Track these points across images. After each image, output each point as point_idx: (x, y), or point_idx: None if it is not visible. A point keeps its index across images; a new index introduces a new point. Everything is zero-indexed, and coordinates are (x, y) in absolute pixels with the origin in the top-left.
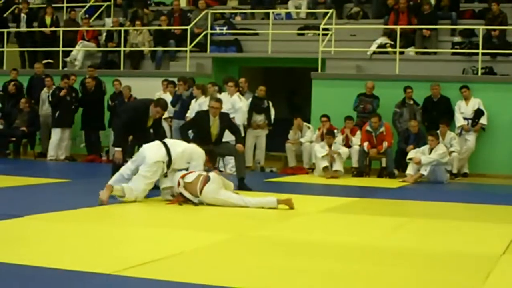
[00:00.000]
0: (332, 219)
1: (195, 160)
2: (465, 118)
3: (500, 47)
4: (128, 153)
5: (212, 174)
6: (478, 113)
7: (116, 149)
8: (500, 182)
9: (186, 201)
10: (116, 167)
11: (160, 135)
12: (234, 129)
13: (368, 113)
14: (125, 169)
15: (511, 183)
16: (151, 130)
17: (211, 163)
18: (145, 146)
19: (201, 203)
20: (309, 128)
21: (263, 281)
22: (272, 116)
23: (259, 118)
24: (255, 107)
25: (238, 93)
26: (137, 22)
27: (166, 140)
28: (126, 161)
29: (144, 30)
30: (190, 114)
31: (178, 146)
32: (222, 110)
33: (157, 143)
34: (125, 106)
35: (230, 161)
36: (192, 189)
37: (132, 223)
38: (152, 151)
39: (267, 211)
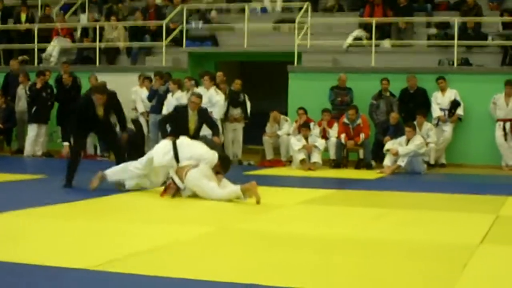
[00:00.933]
0: (311, 211)
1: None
2: (441, 109)
3: (475, 39)
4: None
5: (202, 165)
6: (455, 104)
7: (65, 143)
8: (477, 172)
9: (177, 190)
10: (71, 163)
11: (122, 119)
12: (212, 124)
13: (346, 105)
14: (133, 168)
15: (488, 172)
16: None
17: (223, 169)
18: (156, 147)
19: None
20: (286, 121)
21: (246, 274)
22: (248, 109)
23: (236, 112)
24: (231, 101)
25: (215, 87)
26: (112, 18)
27: (179, 142)
28: (78, 155)
29: (120, 26)
30: (166, 108)
31: (187, 151)
32: (205, 107)
33: (166, 144)
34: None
35: None
36: (180, 174)
37: (113, 217)
38: (159, 154)
39: (247, 204)
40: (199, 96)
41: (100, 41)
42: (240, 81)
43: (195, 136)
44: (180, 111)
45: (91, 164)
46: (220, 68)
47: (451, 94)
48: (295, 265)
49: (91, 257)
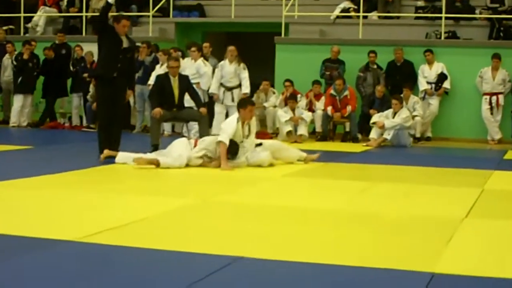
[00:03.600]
0: (296, 183)
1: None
2: (428, 82)
3: (463, 11)
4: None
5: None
6: (442, 77)
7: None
8: (462, 145)
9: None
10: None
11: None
12: (194, 93)
13: (334, 80)
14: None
15: (474, 146)
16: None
17: (231, 154)
18: (174, 143)
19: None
20: (274, 93)
21: (227, 246)
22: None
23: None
24: None
25: (202, 58)
26: None
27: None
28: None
29: None
30: (152, 79)
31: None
32: (186, 74)
33: (185, 142)
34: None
35: (194, 126)
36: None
37: (95, 189)
38: (176, 152)
39: (232, 176)
40: (177, 60)
41: (87, 10)
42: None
43: (180, 103)
44: (162, 79)
45: (77, 135)
46: (207, 39)
47: (438, 67)
48: (278, 237)
49: (76, 229)
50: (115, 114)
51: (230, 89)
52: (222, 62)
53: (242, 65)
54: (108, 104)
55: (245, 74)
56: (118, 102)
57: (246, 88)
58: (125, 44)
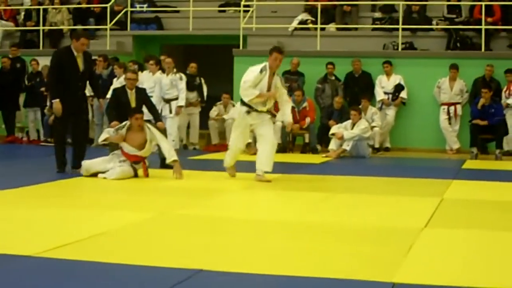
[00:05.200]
0: (255, 196)
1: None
2: (386, 93)
3: (420, 22)
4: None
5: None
6: (398, 88)
7: (54, 101)
8: (421, 155)
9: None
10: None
11: (96, 87)
12: (150, 105)
13: (293, 91)
14: None
15: (432, 156)
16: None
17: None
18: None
19: None
20: (233, 105)
21: (188, 259)
22: (205, 93)
23: (191, 96)
24: (187, 85)
25: (180, 74)
26: (56, 1)
27: None
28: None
29: (63, 9)
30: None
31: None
32: (144, 87)
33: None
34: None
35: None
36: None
37: (53, 204)
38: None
39: (191, 189)
40: (135, 72)
41: (44, 24)
42: (195, 64)
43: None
44: (119, 92)
45: (35, 149)
46: (165, 51)
47: (395, 78)
48: (239, 250)
49: (34, 244)
50: (76, 129)
51: (168, 101)
52: (159, 75)
53: (178, 75)
54: (65, 119)
55: (181, 85)
56: (78, 116)
57: (181, 100)
58: (82, 66)
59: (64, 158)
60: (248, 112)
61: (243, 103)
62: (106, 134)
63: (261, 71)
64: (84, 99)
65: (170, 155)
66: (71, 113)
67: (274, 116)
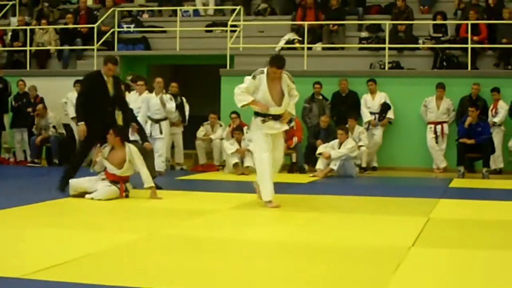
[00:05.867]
0: (243, 216)
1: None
2: (371, 113)
3: (406, 42)
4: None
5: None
6: (385, 107)
7: (79, 123)
8: (408, 174)
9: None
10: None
11: (126, 113)
12: (138, 125)
13: None
14: None
15: (420, 175)
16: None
17: None
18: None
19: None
20: (220, 125)
21: (175, 280)
22: (187, 113)
23: (173, 116)
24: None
25: (169, 95)
26: (43, 21)
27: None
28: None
29: (50, 29)
30: None
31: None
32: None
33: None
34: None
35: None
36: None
37: (40, 225)
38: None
39: (179, 209)
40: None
41: (31, 45)
42: (176, 84)
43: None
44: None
45: (22, 170)
46: (152, 71)
47: (380, 97)
48: (224, 271)
49: (23, 265)
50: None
51: (157, 121)
52: (146, 95)
53: (168, 96)
54: (90, 143)
55: (172, 105)
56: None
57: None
58: (112, 91)
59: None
60: (264, 121)
61: (256, 113)
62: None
63: (253, 76)
64: (115, 125)
65: (147, 182)
66: (98, 138)
67: (291, 121)
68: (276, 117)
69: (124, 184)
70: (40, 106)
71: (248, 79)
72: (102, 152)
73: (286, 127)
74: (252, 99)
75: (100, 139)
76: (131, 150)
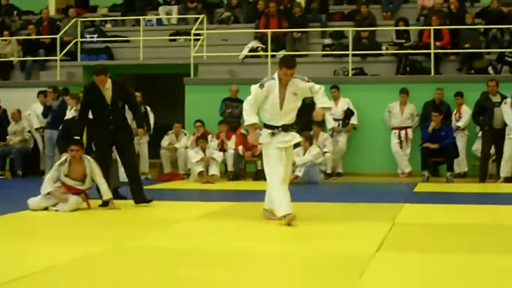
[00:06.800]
0: (209, 225)
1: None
2: (335, 119)
3: (370, 48)
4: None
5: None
6: (348, 113)
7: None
8: (373, 180)
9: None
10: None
11: (136, 115)
12: (134, 105)
13: (235, 117)
14: None
15: (384, 180)
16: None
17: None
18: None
19: None
20: (185, 134)
21: None
22: (152, 122)
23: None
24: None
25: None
26: (5, 32)
27: None
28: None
29: (13, 40)
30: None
31: None
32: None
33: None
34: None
35: None
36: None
37: (2, 237)
38: None
39: (144, 219)
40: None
41: None
42: (140, 93)
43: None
44: (69, 124)
45: None
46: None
47: (344, 103)
48: (191, 281)
49: None
50: (124, 162)
51: None
52: None
53: (142, 106)
54: (101, 153)
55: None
56: (122, 149)
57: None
58: (109, 99)
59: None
60: (273, 134)
61: (265, 125)
62: (49, 187)
63: (260, 85)
64: (124, 131)
65: (105, 194)
66: (107, 147)
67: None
68: (286, 129)
69: (86, 195)
70: (15, 110)
71: (254, 88)
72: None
73: (297, 139)
74: (254, 122)
75: (117, 147)
76: (90, 162)
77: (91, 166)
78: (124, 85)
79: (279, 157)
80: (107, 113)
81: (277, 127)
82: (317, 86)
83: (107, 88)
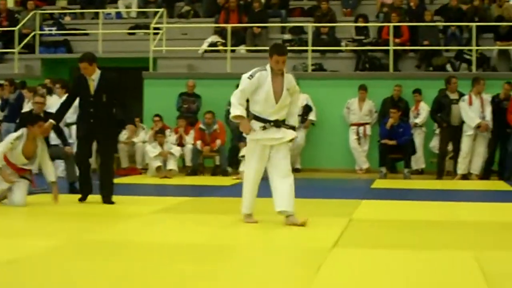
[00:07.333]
0: (165, 219)
1: None
2: None
3: (329, 44)
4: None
5: None
6: (306, 109)
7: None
8: (332, 176)
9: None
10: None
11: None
12: (58, 130)
13: (192, 112)
14: None
15: (342, 176)
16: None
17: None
18: None
19: None
20: (143, 128)
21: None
22: None
23: None
24: None
25: None
26: None
27: None
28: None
29: None
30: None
31: None
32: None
33: None
34: None
35: (61, 164)
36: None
37: None
38: None
39: (100, 213)
40: (43, 96)
41: None
42: None
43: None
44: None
45: None
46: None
47: (302, 99)
48: (146, 275)
49: None
50: (100, 157)
51: (68, 125)
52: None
53: None
54: (82, 144)
55: None
56: (101, 144)
57: None
58: (93, 90)
59: (85, 185)
60: (264, 128)
61: (255, 117)
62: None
63: (250, 76)
64: (105, 127)
65: (51, 176)
66: (88, 139)
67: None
68: (279, 125)
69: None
70: None
71: (244, 79)
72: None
73: (291, 135)
74: (239, 114)
75: (88, 142)
76: (44, 144)
77: (43, 147)
78: (113, 79)
79: (261, 155)
80: (88, 105)
81: (269, 122)
82: (298, 101)
83: (93, 79)
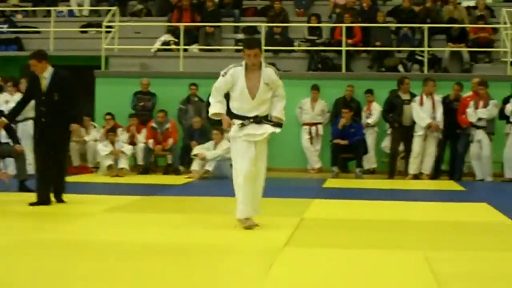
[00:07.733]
0: (116, 218)
1: None
2: None
3: (282, 44)
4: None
5: None
6: None
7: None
8: (284, 175)
9: None
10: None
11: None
12: (9, 128)
13: (147, 110)
14: None
15: (294, 176)
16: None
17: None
18: None
19: None
20: (94, 127)
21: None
22: None
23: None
24: None
25: None
26: None
27: None
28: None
29: None
30: None
31: None
32: (1, 109)
33: None
34: None
35: (12, 162)
36: None
37: None
38: None
39: (49, 212)
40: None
41: None
42: None
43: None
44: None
45: None
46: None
47: None
48: (95, 275)
49: None
50: (52, 159)
51: (16, 122)
52: (16, 97)
53: None
54: (37, 146)
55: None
56: (54, 146)
57: None
58: (45, 88)
59: (43, 189)
60: (243, 125)
61: (234, 115)
62: None
63: (224, 73)
64: (57, 126)
65: None
66: (39, 140)
67: (279, 125)
68: (259, 121)
69: None
70: None
71: (220, 75)
72: None
73: (273, 129)
74: (216, 112)
75: (40, 141)
76: None
77: None
78: (65, 77)
79: (246, 151)
80: (40, 104)
81: (248, 118)
82: (283, 92)
83: (45, 77)
